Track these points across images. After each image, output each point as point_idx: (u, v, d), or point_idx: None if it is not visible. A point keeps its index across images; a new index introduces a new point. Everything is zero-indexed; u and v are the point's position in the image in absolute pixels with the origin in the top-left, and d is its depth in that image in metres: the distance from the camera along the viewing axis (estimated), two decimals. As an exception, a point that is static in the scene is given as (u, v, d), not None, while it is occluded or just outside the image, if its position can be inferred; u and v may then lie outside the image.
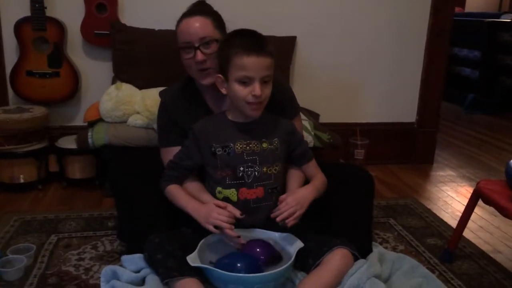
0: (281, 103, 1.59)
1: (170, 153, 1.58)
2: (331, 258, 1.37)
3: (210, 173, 1.49)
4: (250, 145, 1.46)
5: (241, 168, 1.45)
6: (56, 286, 1.46)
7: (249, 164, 1.45)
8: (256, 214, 1.47)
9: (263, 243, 1.41)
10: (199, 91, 1.65)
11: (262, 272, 1.32)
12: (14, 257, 1.53)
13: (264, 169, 1.46)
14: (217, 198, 1.48)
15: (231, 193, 1.46)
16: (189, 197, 1.48)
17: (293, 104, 1.72)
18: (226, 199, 1.47)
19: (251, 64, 1.37)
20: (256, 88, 1.37)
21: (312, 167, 1.58)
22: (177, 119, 1.61)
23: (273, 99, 1.48)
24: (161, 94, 1.69)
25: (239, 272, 1.29)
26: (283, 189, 1.53)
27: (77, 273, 1.54)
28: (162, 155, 1.63)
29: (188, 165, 1.50)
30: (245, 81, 1.38)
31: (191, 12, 1.56)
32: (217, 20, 1.57)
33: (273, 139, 1.49)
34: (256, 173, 1.46)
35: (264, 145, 1.48)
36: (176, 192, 1.49)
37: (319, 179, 1.56)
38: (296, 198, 1.45)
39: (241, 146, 1.46)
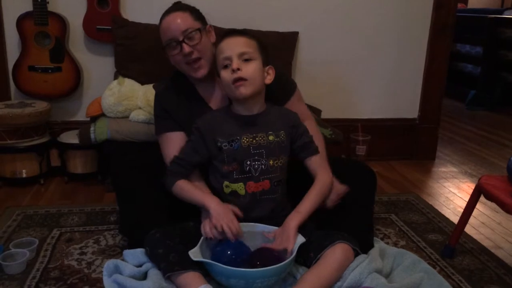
0: (277, 86, 1.58)
1: (167, 140, 1.59)
2: (332, 253, 1.37)
3: (217, 167, 1.49)
4: (257, 138, 1.47)
5: (248, 162, 1.46)
6: (59, 280, 1.47)
7: (256, 157, 1.46)
8: (262, 206, 1.48)
9: (267, 253, 1.38)
10: (191, 82, 1.65)
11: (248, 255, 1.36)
12: (16, 251, 1.54)
13: (271, 162, 1.47)
14: (224, 192, 1.48)
15: (239, 187, 1.47)
16: (202, 191, 1.48)
17: (288, 84, 1.69)
18: (234, 193, 1.47)
19: (226, 45, 1.45)
20: (234, 62, 1.40)
21: (315, 163, 1.54)
22: (170, 109, 1.61)
23: (271, 86, 1.51)
24: (154, 86, 1.72)
25: (230, 258, 1.31)
26: (285, 181, 1.53)
27: (80, 267, 1.54)
28: (161, 143, 1.62)
29: (196, 160, 1.50)
30: (226, 64, 1.43)
31: (168, 10, 1.58)
32: (195, 13, 1.59)
33: (280, 131, 1.50)
34: (263, 166, 1.46)
35: (271, 137, 1.48)
36: (187, 186, 1.48)
37: (319, 182, 1.50)
38: (281, 236, 1.40)
39: (247, 139, 1.46)
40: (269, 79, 1.49)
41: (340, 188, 1.54)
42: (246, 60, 1.43)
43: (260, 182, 1.47)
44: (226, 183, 1.48)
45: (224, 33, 1.49)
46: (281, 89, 1.63)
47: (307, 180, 1.54)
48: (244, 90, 1.42)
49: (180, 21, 1.53)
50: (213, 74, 1.57)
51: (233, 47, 1.43)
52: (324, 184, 1.51)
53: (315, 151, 1.55)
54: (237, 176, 1.47)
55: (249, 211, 1.47)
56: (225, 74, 1.44)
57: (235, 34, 1.47)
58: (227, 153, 1.46)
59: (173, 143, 1.58)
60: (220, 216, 1.39)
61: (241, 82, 1.42)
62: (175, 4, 1.63)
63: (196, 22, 1.56)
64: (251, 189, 1.47)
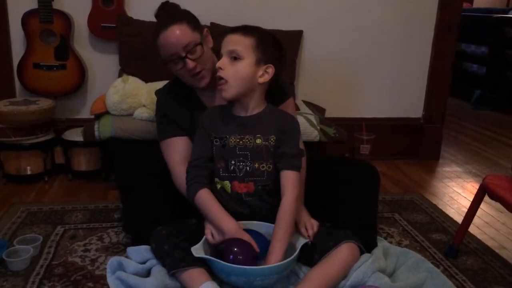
0: (272, 90, 1.54)
1: (171, 145, 1.59)
2: (338, 252, 1.38)
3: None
4: (243, 140, 1.45)
5: (233, 162, 1.45)
6: (62, 276, 1.47)
7: (241, 158, 1.45)
8: (249, 207, 1.48)
9: (242, 243, 1.37)
10: (190, 87, 1.65)
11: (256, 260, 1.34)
12: (20, 248, 1.55)
13: (256, 165, 1.45)
14: (216, 188, 1.49)
15: (226, 184, 1.47)
16: (222, 211, 1.43)
17: (284, 90, 1.67)
18: (222, 190, 1.48)
19: (223, 42, 1.43)
20: (220, 60, 1.41)
21: (289, 180, 1.43)
22: (171, 114, 1.62)
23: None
24: (156, 92, 1.71)
25: (234, 259, 1.30)
26: (276, 188, 1.47)
27: (83, 264, 1.55)
28: (164, 150, 1.62)
29: (208, 154, 1.48)
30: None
31: (164, 23, 1.53)
32: (191, 20, 1.55)
33: (270, 136, 1.45)
34: (248, 168, 1.45)
35: (258, 141, 1.45)
36: (208, 200, 1.44)
37: (283, 206, 1.41)
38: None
39: (234, 140, 1.45)
40: (264, 78, 1.43)
41: (314, 224, 1.49)
42: (235, 59, 1.40)
43: (245, 183, 1.45)
44: (216, 179, 1.49)
45: (230, 29, 1.47)
46: (276, 92, 1.58)
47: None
48: (225, 93, 1.42)
49: (180, 35, 1.50)
50: (214, 81, 1.56)
51: (226, 44, 1.42)
52: (286, 207, 1.41)
53: (295, 168, 1.44)
54: (223, 174, 1.47)
55: (238, 209, 1.47)
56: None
57: (232, 31, 1.44)
58: (216, 149, 1.47)
59: (177, 149, 1.58)
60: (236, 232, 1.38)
61: (223, 85, 1.40)
62: (170, 13, 1.58)
63: (194, 33, 1.54)
64: (236, 189, 1.46)
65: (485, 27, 4.32)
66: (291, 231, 1.42)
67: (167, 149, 1.61)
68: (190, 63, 1.52)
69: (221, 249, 1.35)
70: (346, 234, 1.43)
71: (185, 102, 1.64)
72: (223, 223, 1.40)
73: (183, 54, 1.52)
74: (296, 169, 1.45)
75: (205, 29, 1.61)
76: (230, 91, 1.41)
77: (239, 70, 1.40)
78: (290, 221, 1.41)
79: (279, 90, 1.60)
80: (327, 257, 1.37)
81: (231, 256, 1.31)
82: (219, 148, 1.47)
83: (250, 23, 2.06)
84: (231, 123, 1.48)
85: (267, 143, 1.46)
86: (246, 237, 1.38)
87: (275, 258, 1.33)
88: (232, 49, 1.40)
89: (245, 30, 1.44)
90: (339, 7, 2.53)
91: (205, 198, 1.44)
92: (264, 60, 1.43)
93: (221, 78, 1.40)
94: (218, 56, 1.51)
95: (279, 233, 1.38)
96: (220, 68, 1.40)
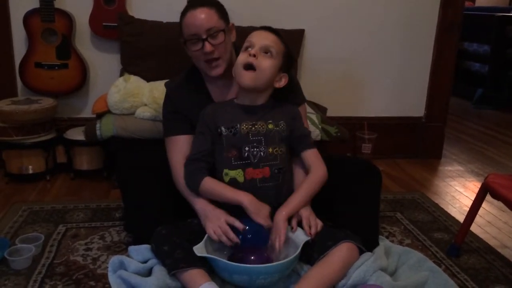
0: (286, 90, 1.58)
1: (174, 143, 1.59)
2: (337, 251, 1.38)
3: (217, 155, 1.50)
4: (256, 126, 1.49)
5: (246, 148, 1.47)
6: (64, 275, 1.48)
7: (254, 144, 1.47)
8: (264, 193, 1.48)
9: (257, 254, 1.39)
10: (203, 80, 1.66)
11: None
12: (22, 246, 1.55)
13: (270, 150, 1.48)
14: (224, 181, 1.49)
15: (238, 173, 1.47)
16: (236, 190, 1.47)
17: (298, 93, 1.71)
18: (233, 181, 1.47)
19: (257, 34, 1.50)
20: (254, 49, 1.45)
21: (312, 157, 1.55)
22: (180, 108, 1.62)
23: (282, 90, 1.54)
24: (166, 84, 1.70)
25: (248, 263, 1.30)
26: (289, 170, 1.55)
27: (85, 262, 1.55)
28: (167, 146, 1.62)
29: (209, 147, 1.50)
30: (247, 47, 1.47)
31: (194, 4, 1.55)
32: (221, 10, 1.58)
33: (280, 121, 1.52)
34: (262, 153, 1.47)
35: (270, 126, 1.50)
36: (215, 183, 1.48)
37: (314, 174, 1.52)
38: (274, 230, 1.42)
39: (246, 126, 1.48)
40: (278, 84, 1.52)
41: (318, 223, 1.49)
42: (266, 53, 1.46)
43: (260, 169, 1.47)
44: (225, 170, 1.49)
45: (263, 27, 1.54)
46: (291, 95, 1.63)
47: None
48: (249, 80, 1.45)
49: (206, 18, 1.52)
50: (228, 74, 1.57)
51: (262, 37, 1.48)
52: (317, 176, 1.52)
53: (312, 145, 1.57)
54: (235, 163, 1.47)
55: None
56: (242, 56, 1.47)
57: (271, 31, 1.51)
58: (226, 139, 1.48)
59: (180, 147, 1.58)
60: (259, 210, 1.41)
61: (250, 72, 1.44)
62: None
63: (220, 20, 1.55)
64: (250, 176, 1.47)
65: (487, 26, 4.31)
66: (310, 198, 1.50)
67: (171, 145, 1.61)
68: (208, 46, 1.52)
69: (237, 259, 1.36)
70: (346, 234, 1.42)
71: (196, 95, 1.63)
72: (239, 196, 1.43)
73: (204, 36, 1.52)
74: (314, 146, 1.57)
75: (232, 23, 1.62)
76: (253, 80, 1.46)
77: (268, 67, 1.47)
78: (314, 189, 1.50)
79: (293, 93, 1.65)
80: (326, 256, 1.37)
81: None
82: (229, 137, 1.48)
83: (252, 22, 2.07)
84: (239, 112, 1.51)
85: (278, 128, 1.51)
86: (263, 209, 1.42)
87: (280, 217, 1.42)
88: (269, 45, 1.47)
89: (279, 35, 1.52)
90: (341, 6, 2.53)
91: (212, 183, 1.48)
92: (283, 69, 1.52)
93: (252, 67, 1.44)
94: (237, 52, 1.53)
95: (301, 191, 1.49)
96: (254, 56, 1.44)
